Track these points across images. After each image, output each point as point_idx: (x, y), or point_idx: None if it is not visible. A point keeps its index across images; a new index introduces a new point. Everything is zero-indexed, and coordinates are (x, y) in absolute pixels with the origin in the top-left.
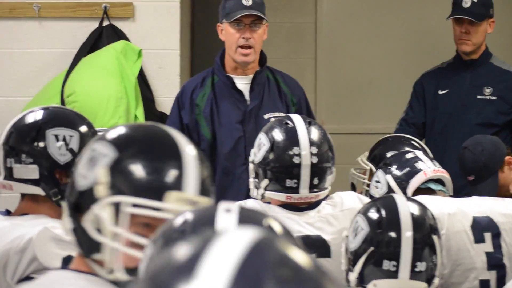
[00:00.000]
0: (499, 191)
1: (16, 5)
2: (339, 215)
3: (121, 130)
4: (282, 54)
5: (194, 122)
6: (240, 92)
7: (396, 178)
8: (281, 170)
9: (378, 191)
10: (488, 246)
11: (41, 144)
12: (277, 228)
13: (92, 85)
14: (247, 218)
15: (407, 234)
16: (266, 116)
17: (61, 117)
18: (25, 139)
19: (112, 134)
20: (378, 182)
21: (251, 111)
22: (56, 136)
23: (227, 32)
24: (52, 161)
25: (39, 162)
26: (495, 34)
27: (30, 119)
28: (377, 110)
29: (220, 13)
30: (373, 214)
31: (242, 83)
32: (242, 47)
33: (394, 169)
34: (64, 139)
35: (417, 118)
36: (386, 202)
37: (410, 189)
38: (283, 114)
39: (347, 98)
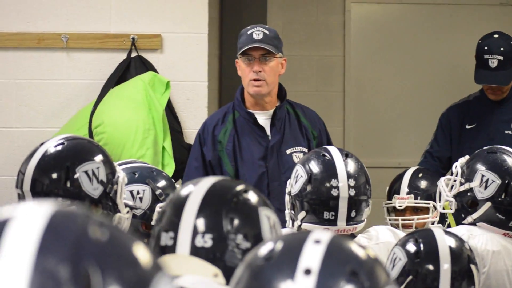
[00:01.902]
0: None
1: (45, 36)
2: (375, 248)
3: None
4: (311, 88)
5: (217, 158)
6: (261, 128)
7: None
8: (318, 202)
9: (480, 191)
10: None
11: (75, 184)
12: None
13: (120, 116)
14: (337, 249)
15: (445, 266)
16: (288, 152)
17: (82, 151)
18: (58, 182)
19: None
20: (486, 185)
21: (273, 146)
22: (86, 172)
23: (240, 66)
24: (88, 198)
25: (76, 202)
26: None
27: (52, 160)
28: (405, 144)
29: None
30: (411, 246)
31: (263, 119)
32: (253, 80)
33: (502, 201)
34: (93, 173)
35: (442, 152)
36: (424, 235)
37: (481, 225)
38: (305, 149)
39: (375, 132)
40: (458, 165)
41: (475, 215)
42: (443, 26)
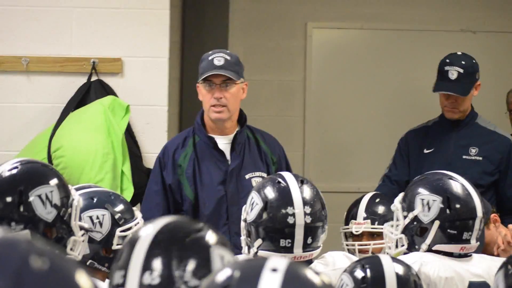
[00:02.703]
0: (486, 249)
1: (5, 59)
2: (331, 274)
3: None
4: (271, 112)
5: (177, 182)
6: (221, 152)
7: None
8: (274, 230)
9: (424, 214)
10: None
11: (29, 208)
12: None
13: (79, 140)
14: (294, 277)
15: None
16: (247, 176)
17: (36, 175)
18: (11, 206)
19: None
20: (428, 207)
21: (232, 171)
22: (40, 196)
23: (200, 92)
24: (42, 222)
25: (30, 226)
26: (484, 94)
27: (5, 184)
28: (365, 169)
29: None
30: (358, 272)
31: (223, 143)
32: (214, 106)
33: (448, 217)
34: (47, 197)
35: (400, 176)
36: (371, 261)
37: (437, 247)
38: (264, 174)
39: (335, 156)
40: (395, 203)
41: (428, 240)
42: (403, 51)
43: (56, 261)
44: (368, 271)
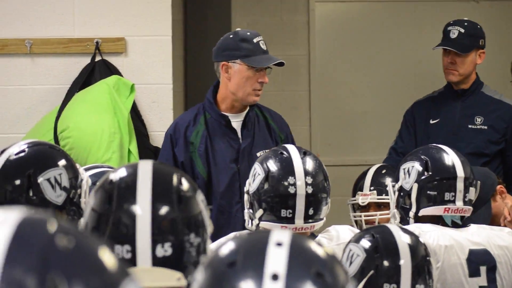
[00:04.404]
0: (493, 220)
1: (8, 41)
2: (335, 249)
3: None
4: (277, 87)
5: (189, 159)
6: (233, 131)
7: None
8: (276, 200)
9: (406, 182)
10: (482, 280)
11: (38, 193)
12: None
13: (85, 120)
14: (300, 250)
15: (405, 260)
16: (258, 154)
17: (44, 158)
18: (20, 191)
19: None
20: (408, 173)
21: (244, 149)
22: (48, 180)
23: (241, 73)
24: (52, 206)
25: (39, 209)
26: (488, 63)
27: (13, 168)
28: (371, 142)
29: (228, 52)
30: (369, 241)
31: (235, 121)
32: (257, 90)
33: (427, 178)
34: (56, 180)
35: (406, 147)
36: (380, 230)
37: (422, 212)
38: None
39: (341, 130)
40: (388, 182)
41: (413, 207)
42: (406, 22)
43: (81, 239)
44: (379, 240)
